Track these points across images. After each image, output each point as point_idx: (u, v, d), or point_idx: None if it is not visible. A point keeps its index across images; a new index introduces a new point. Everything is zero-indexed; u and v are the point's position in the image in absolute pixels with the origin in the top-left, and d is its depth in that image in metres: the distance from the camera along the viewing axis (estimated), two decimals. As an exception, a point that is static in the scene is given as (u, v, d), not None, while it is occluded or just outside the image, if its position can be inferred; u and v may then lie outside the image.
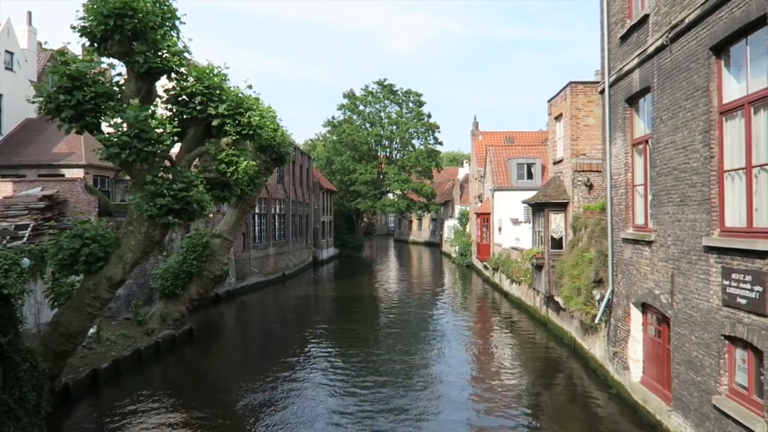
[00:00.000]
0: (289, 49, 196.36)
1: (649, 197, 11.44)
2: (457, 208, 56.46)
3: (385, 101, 60.52)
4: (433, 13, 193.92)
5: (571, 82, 19.24)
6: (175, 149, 14.48)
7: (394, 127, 59.34)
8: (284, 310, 28.01)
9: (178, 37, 12.89)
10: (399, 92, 60.28)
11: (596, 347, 15.08)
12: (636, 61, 11.56)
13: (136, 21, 11.67)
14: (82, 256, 11.87)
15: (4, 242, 15.54)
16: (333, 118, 62.38)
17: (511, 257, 27.92)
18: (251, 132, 14.31)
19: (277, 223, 37.37)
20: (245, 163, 15.68)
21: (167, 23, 12.59)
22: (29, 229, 16.92)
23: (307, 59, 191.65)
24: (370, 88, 60.50)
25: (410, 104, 60.43)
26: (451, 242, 53.87)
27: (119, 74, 13.08)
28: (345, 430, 11.53)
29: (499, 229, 33.71)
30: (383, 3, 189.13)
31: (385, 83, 59.98)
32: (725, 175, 8.60)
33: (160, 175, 12.21)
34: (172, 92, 13.67)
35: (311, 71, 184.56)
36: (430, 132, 60.13)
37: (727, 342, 8.44)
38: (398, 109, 60.45)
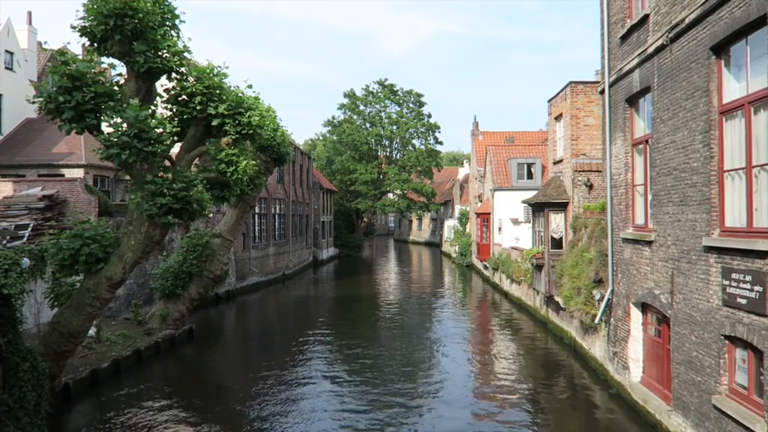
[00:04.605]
0: (286, 49, 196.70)
1: (649, 197, 11.44)
2: (457, 208, 56.47)
3: (386, 101, 60.51)
4: (429, 14, 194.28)
5: (571, 82, 19.24)
6: (175, 149, 14.48)
7: (395, 126, 59.33)
8: (284, 310, 28.01)
9: (179, 37, 12.88)
10: (399, 92, 60.27)
11: (596, 347, 15.08)
12: (636, 60, 11.56)
13: (136, 21, 11.66)
14: (82, 256, 11.86)
15: (4, 242, 15.54)
16: (333, 117, 62.53)
17: (511, 257, 27.91)
18: (251, 132, 14.30)
19: (277, 223, 37.38)
20: (245, 162, 15.67)
21: (167, 23, 12.58)
22: (29, 228, 16.91)
23: (305, 59, 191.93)
24: (370, 88, 60.53)
25: (410, 104, 60.41)
26: (451, 242, 53.88)
27: (119, 74, 13.08)
28: (345, 429, 11.53)
29: (499, 228, 33.71)
30: (380, 3, 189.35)
31: (386, 83, 59.99)
32: (725, 175, 8.60)
33: (160, 174, 12.20)
34: (172, 92, 13.65)
35: (308, 71, 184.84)
36: (431, 132, 60.14)
37: (727, 342, 8.44)
38: (398, 109, 60.43)
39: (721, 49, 8.60)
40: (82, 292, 12.31)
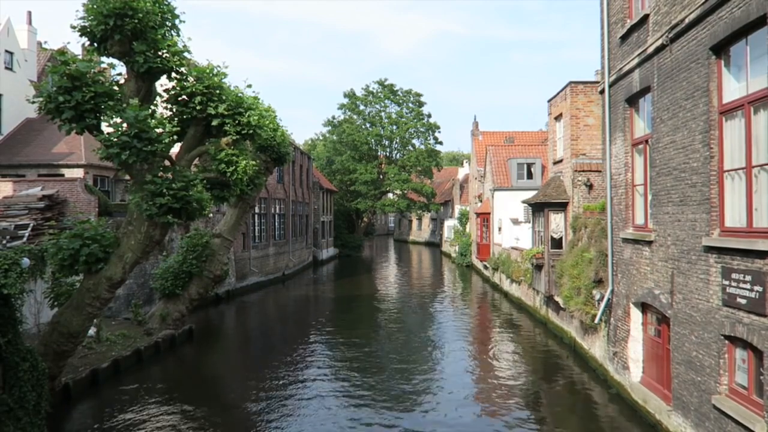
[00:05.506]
0: (286, 49, 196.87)
1: (649, 197, 11.44)
2: (457, 208, 56.47)
3: (386, 101, 60.51)
4: (429, 14, 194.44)
5: (571, 82, 19.23)
6: (175, 149, 14.47)
7: (395, 126, 59.33)
8: (284, 310, 28.01)
9: (178, 35, 12.89)
10: (399, 92, 60.28)
11: (596, 347, 15.08)
12: (636, 60, 11.56)
13: (136, 21, 11.66)
14: (82, 256, 11.86)
15: (4, 242, 15.54)
16: (333, 117, 62.59)
17: (511, 257, 27.92)
18: (251, 132, 14.29)
19: (276, 223, 37.37)
20: (245, 162, 15.67)
21: (167, 23, 12.58)
22: (29, 228, 16.91)
23: (305, 59, 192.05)
24: (370, 88, 60.52)
25: (410, 104, 60.42)
26: (450, 242, 53.88)
27: (119, 74, 13.08)
28: (344, 429, 11.53)
29: (499, 228, 33.71)
30: (380, 3, 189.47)
31: (386, 83, 59.99)
32: (725, 175, 8.60)
33: (159, 174, 12.19)
34: (172, 92, 13.64)
35: (308, 71, 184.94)
36: (430, 132, 60.15)
37: (726, 342, 8.44)
38: (398, 108, 60.42)
39: (721, 49, 8.60)
40: (82, 292, 12.31)
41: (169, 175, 12.32)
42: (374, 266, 49.55)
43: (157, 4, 12.26)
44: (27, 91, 27.32)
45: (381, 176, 59.84)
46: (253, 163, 16.40)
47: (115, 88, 12.00)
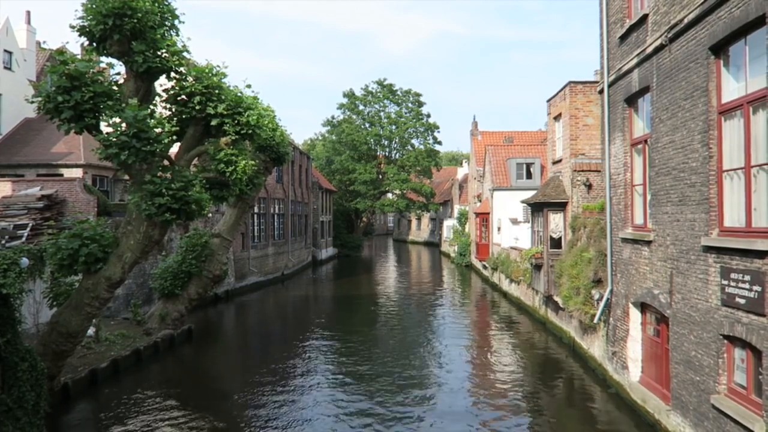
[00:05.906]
0: (286, 49, 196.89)
1: (648, 197, 11.44)
2: (456, 208, 56.50)
3: (385, 101, 60.48)
4: (429, 14, 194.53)
5: (570, 82, 19.23)
6: (174, 149, 14.46)
7: (394, 126, 59.30)
8: (283, 310, 28.00)
9: (178, 35, 12.87)
10: (398, 92, 60.25)
11: (595, 347, 15.08)
12: (635, 60, 11.57)
13: (135, 21, 11.65)
14: (81, 255, 11.84)
15: (3, 242, 15.53)
16: (332, 117, 62.57)
17: (510, 257, 27.92)
18: (250, 131, 14.27)
19: (276, 223, 37.36)
20: (244, 162, 15.64)
21: (166, 23, 12.57)
22: (28, 228, 16.91)
23: (305, 59, 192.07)
24: (369, 88, 60.49)
25: (410, 104, 60.40)
26: (450, 242, 53.90)
27: (118, 74, 13.06)
28: (344, 429, 11.53)
29: (498, 228, 33.72)
30: (380, 3, 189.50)
31: (385, 83, 59.97)
32: (724, 174, 8.61)
33: (158, 174, 12.18)
34: (171, 92, 13.62)
35: (308, 71, 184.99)
36: (430, 132, 60.15)
37: (725, 341, 8.44)
38: (398, 108, 60.39)
39: (720, 48, 8.61)
40: (80, 291, 12.30)
41: (168, 175, 12.30)
42: (373, 266, 49.55)
43: (156, 4, 12.25)
44: (26, 91, 27.31)
45: (380, 176, 59.84)
46: (253, 163, 16.37)
47: (114, 87, 11.98)
